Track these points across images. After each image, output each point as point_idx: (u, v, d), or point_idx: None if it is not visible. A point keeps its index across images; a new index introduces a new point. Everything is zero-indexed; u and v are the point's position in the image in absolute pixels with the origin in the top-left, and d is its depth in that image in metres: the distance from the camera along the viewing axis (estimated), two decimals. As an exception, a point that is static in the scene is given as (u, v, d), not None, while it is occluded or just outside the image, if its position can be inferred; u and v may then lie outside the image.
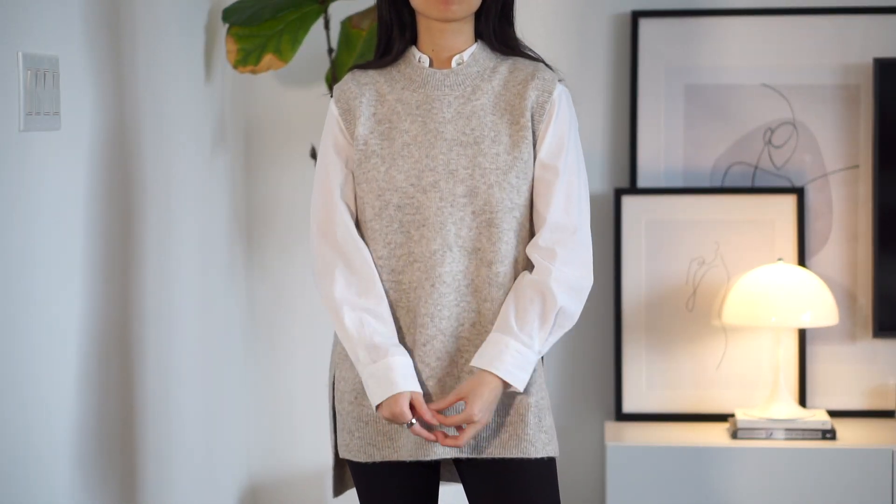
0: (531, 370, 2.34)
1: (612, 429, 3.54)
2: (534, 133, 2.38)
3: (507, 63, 2.43)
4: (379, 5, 2.45)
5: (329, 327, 3.76)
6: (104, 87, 2.64)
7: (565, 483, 3.75)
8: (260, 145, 3.76)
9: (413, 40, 2.45)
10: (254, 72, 3.34)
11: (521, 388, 2.33)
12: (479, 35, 2.44)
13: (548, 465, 2.43)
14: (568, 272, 2.35)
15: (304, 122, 3.70)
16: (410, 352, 2.38)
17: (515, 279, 2.36)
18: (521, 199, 2.37)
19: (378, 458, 2.39)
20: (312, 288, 3.74)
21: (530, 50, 2.47)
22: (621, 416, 3.61)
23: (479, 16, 2.43)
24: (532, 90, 2.38)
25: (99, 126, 2.61)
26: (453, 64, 2.41)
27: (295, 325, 3.77)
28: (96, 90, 2.60)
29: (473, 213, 2.35)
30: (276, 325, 3.78)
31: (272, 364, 3.79)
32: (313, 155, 3.55)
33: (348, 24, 3.47)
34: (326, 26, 3.45)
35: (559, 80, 2.43)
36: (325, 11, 3.41)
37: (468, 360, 2.36)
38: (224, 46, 3.43)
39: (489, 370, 2.32)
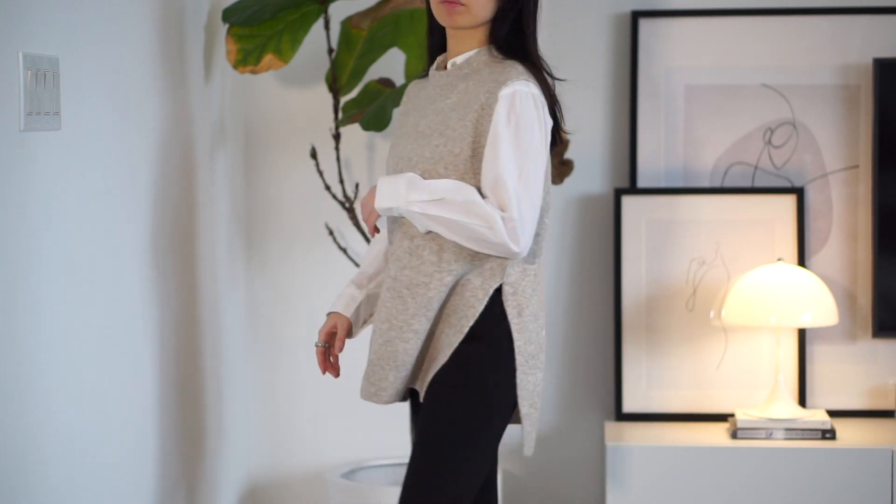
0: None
1: (612, 429, 3.54)
2: (477, 130, 2.46)
3: (492, 66, 2.51)
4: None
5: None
6: (104, 87, 2.64)
7: (565, 483, 3.75)
8: (260, 145, 3.76)
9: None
10: (254, 72, 3.34)
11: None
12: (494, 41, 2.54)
13: None
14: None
15: (304, 122, 3.70)
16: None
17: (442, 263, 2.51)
18: None
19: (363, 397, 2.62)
20: (312, 287, 3.75)
21: (534, 60, 2.52)
22: (621, 416, 3.61)
23: (495, 22, 2.52)
24: (483, 92, 2.47)
25: (99, 126, 2.61)
26: (448, 66, 2.56)
27: (295, 324, 3.77)
28: (96, 90, 2.60)
29: None
30: (276, 325, 3.78)
31: (272, 364, 3.79)
32: (313, 155, 3.55)
33: (348, 24, 3.47)
34: (326, 26, 3.45)
35: (521, 82, 2.46)
36: (325, 11, 3.41)
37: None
38: (224, 46, 3.43)
39: None
